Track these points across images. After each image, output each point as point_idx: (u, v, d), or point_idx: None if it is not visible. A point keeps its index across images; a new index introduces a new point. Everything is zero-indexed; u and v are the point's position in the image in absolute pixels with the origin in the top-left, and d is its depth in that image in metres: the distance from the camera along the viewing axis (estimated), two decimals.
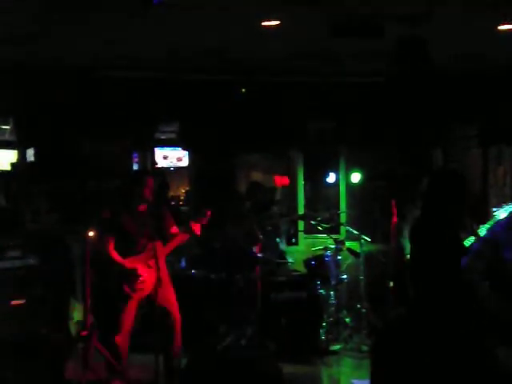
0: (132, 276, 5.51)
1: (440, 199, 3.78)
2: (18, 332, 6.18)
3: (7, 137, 9.03)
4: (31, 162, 8.35)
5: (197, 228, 5.66)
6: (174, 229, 5.75)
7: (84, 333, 5.15)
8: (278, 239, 7.72)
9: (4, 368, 4.49)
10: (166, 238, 5.67)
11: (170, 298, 5.66)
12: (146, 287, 5.55)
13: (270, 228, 7.54)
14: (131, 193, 5.70)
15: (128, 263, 5.53)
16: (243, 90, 8.41)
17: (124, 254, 5.56)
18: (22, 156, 8.39)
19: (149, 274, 5.53)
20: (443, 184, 3.84)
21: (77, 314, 7.13)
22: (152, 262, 5.45)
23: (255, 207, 7.75)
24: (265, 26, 6.14)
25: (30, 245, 7.05)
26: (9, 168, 8.88)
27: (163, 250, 5.64)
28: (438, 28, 6.13)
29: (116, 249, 5.55)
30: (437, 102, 8.32)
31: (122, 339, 5.54)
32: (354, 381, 5.93)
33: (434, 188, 3.86)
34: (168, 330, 5.61)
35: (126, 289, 5.51)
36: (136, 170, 8.96)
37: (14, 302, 6.43)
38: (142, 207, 5.69)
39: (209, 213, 5.70)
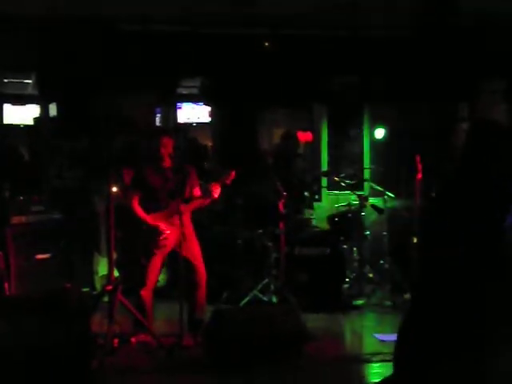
0: (156, 233, 5.54)
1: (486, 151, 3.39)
2: (42, 286, 6.27)
3: (30, 91, 9.00)
4: (54, 117, 8.34)
5: (216, 190, 5.66)
6: (197, 191, 5.73)
7: (109, 287, 5.18)
8: (305, 193, 7.67)
9: (29, 322, 4.53)
10: (187, 197, 5.67)
11: (194, 252, 5.68)
12: (169, 244, 5.60)
13: (296, 182, 7.51)
14: (153, 149, 5.70)
15: (151, 220, 5.56)
16: (267, 43, 8.28)
17: (148, 211, 5.59)
18: (44, 111, 8.37)
19: (172, 230, 5.56)
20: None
21: (101, 268, 7.21)
22: (175, 219, 5.51)
23: (278, 162, 7.70)
24: None
25: (55, 200, 7.09)
26: (32, 123, 8.89)
27: (186, 208, 5.64)
28: None
29: (140, 205, 5.57)
30: (464, 56, 8.13)
31: (146, 294, 5.60)
32: (377, 335, 5.95)
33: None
34: (193, 284, 5.65)
35: (150, 245, 5.54)
36: (156, 128, 8.90)
37: (38, 257, 6.50)
38: (167, 163, 5.68)
39: (233, 173, 5.69)
